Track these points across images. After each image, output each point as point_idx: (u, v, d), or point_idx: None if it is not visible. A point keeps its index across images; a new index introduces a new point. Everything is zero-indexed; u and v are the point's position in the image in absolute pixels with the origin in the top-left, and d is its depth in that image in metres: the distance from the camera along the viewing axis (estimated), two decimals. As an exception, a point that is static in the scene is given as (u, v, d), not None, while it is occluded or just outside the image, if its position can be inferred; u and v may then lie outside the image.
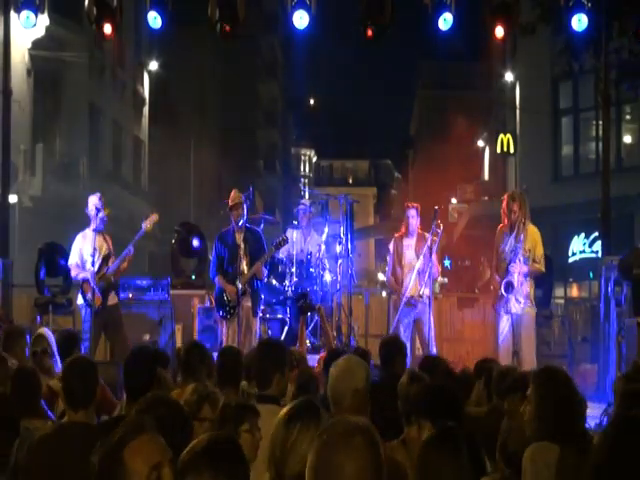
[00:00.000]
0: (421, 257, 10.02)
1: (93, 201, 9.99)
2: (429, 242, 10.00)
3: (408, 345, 9.94)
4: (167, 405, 3.62)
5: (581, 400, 4.11)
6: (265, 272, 10.19)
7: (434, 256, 10.11)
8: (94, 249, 9.76)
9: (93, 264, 9.74)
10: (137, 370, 5.10)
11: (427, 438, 3.35)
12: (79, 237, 10.03)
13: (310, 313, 8.11)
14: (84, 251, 9.91)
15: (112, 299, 9.96)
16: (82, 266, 9.89)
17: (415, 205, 10.41)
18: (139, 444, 2.53)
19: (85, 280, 9.79)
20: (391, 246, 10.42)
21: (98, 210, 9.90)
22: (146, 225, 10.03)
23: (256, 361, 5.25)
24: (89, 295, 9.70)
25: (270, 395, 5.05)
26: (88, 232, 9.95)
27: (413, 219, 10.25)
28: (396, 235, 10.47)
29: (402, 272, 10.21)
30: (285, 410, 3.45)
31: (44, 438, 4.18)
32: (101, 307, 9.75)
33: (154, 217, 10.18)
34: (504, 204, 9.31)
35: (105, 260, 9.87)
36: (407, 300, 9.96)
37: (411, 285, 10.01)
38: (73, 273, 10.07)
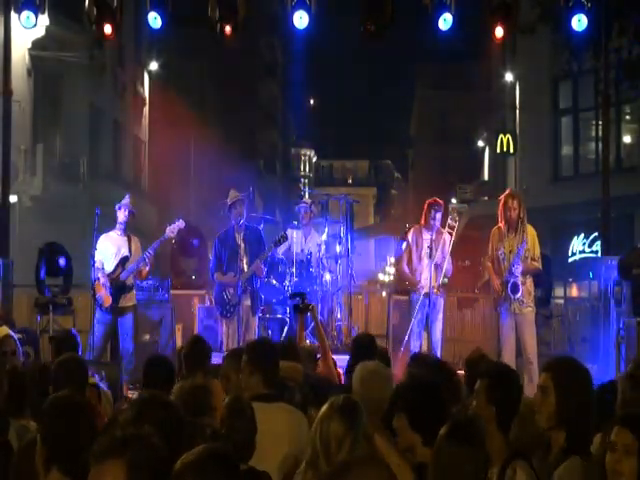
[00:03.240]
0: (439, 251, 9.95)
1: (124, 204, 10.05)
2: (447, 238, 9.95)
3: (418, 343, 9.92)
4: (161, 405, 3.62)
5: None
6: (264, 270, 10.18)
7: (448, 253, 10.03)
8: (117, 250, 9.82)
9: (114, 266, 9.82)
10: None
11: (445, 430, 3.37)
12: (102, 238, 10.01)
13: (305, 313, 8.02)
14: (105, 253, 9.90)
15: (126, 301, 9.93)
16: (101, 267, 9.90)
17: (440, 206, 10.09)
18: (107, 467, 2.51)
19: (97, 279, 9.83)
20: (410, 236, 10.18)
21: (128, 212, 9.98)
22: (170, 231, 10.03)
23: (264, 362, 5.22)
24: (100, 294, 9.75)
25: (276, 393, 5.07)
26: (112, 234, 9.98)
27: (438, 222, 10.00)
28: (415, 226, 10.29)
29: (420, 264, 10.08)
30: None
31: (36, 439, 4.19)
32: (111, 307, 9.76)
33: (179, 224, 10.12)
34: (501, 204, 9.30)
35: (122, 262, 9.86)
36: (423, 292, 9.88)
37: (426, 277, 9.93)
38: (95, 274, 10.07)
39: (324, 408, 3.89)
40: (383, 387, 4.57)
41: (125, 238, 9.96)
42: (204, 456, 2.63)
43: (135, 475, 2.50)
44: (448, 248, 9.97)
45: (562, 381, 3.83)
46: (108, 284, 9.74)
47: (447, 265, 10.01)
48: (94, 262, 9.86)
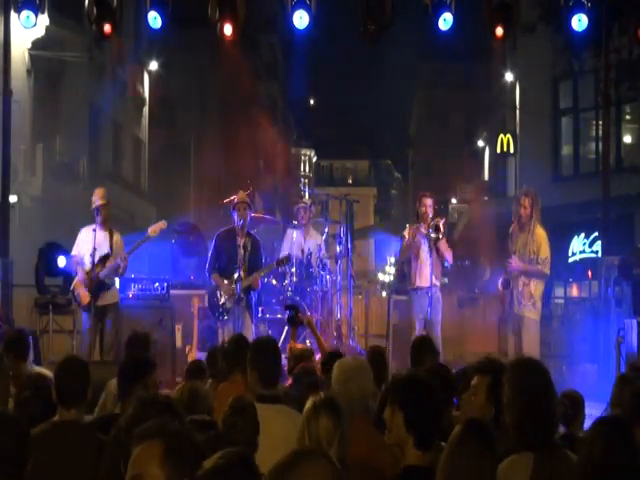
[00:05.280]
0: (427, 248, 9.94)
1: (94, 195, 10.03)
2: (426, 233, 9.95)
3: None
4: (162, 405, 3.62)
5: (555, 399, 4.07)
6: (259, 285, 10.11)
7: (443, 243, 10.00)
8: (94, 248, 9.77)
9: (92, 263, 9.77)
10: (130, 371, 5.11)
11: (458, 431, 3.38)
12: (83, 232, 10.01)
13: (298, 326, 7.91)
14: (83, 247, 9.91)
15: (107, 299, 9.91)
16: (80, 261, 9.90)
17: (426, 195, 10.20)
18: (145, 446, 2.67)
19: (76, 275, 9.86)
20: (407, 233, 10.21)
21: (96, 203, 9.95)
22: (150, 230, 9.99)
23: (262, 360, 5.23)
24: (78, 292, 9.76)
25: (276, 395, 5.06)
26: (92, 229, 9.94)
27: (430, 208, 10.05)
28: (412, 225, 10.27)
29: (417, 263, 10.07)
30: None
31: (37, 436, 4.19)
32: (89, 307, 9.76)
33: (161, 224, 10.11)
34: (516, 201, 9.31)
35: (102, 260, 9.83)
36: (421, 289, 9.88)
37: (425, 275, 9.92)
38: (73, 265, 10.07)
39: (307, 409, 3.89)
40: (364, 382, 4.57)
41: (106, 233, 9.94)
42: (228, 461, 2.64)
43: (170, 458, 2.63)
44: (432, 241, 9.97)
45: (512, 382, 3.88)
46: (87, 282, 9.74)
47: (445, 257, 10.01)
48: (74, 256, 9.93)
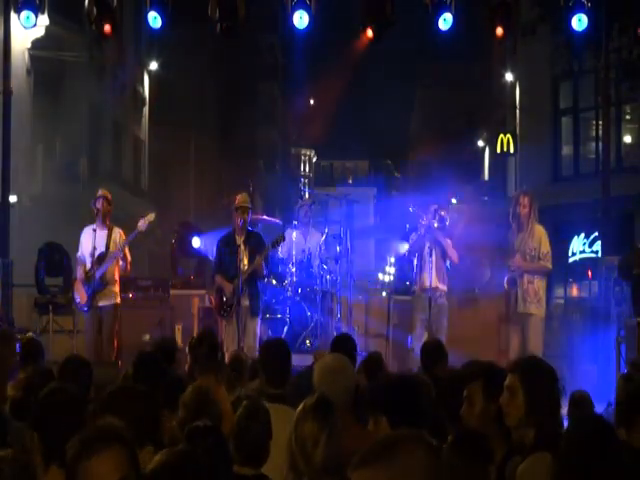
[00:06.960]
0: (433, 251, 10.00)
1: (97, 194, 10.07)
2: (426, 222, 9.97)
3: (419, 344, 9.90)
4: (133, 398, 3.62)
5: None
6: (265, 269, 10.14)
7: (447, 243, 10.04)
8: (94, 247, 9.80)
9: (91, 262, 9.82)
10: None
11: (450, 442, 3.36)
12: (83, 233, 10.07)
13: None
14: (84, 248, 9.98)
15: (105, 300, 9.89)
16: (84, 261, 9.96)
17: (436, 210, 10.25)
18: (109, 454, 2.55)
19: (76, 278, 9.92)
20: (414, 236, 10.30)
21: (94, 204, 9.98)
22: (141, 225, 10.00)
23: (271, 360, 5.23)
24: (77, 293, 9.80)
25: (278, 394, 5.06)
26: (91, 228, 9.97)
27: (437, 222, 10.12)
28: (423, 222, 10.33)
29: (419, 265, 10.14)
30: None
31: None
32: (87, 306, 9.77)
33: (150, 217, 10.13)
34: (513, 201, 9.34)
35: (99, 260, 9.84)
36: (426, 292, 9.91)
37: (427, 277, 9.95)
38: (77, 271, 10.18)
39: (298, 410, 3.90)
40: (344, 380, 4.57)
41: (104, 232, 9.94)
42: (167, 461, 2.60)
43: (133, 458, 2.58)
44: (444, 243, 10.01)
45: (530, 381, 3.86)
46: (84, 281, 9.77)
47: (451, 257, 10.06)
48: (78, 256, 9.99)
